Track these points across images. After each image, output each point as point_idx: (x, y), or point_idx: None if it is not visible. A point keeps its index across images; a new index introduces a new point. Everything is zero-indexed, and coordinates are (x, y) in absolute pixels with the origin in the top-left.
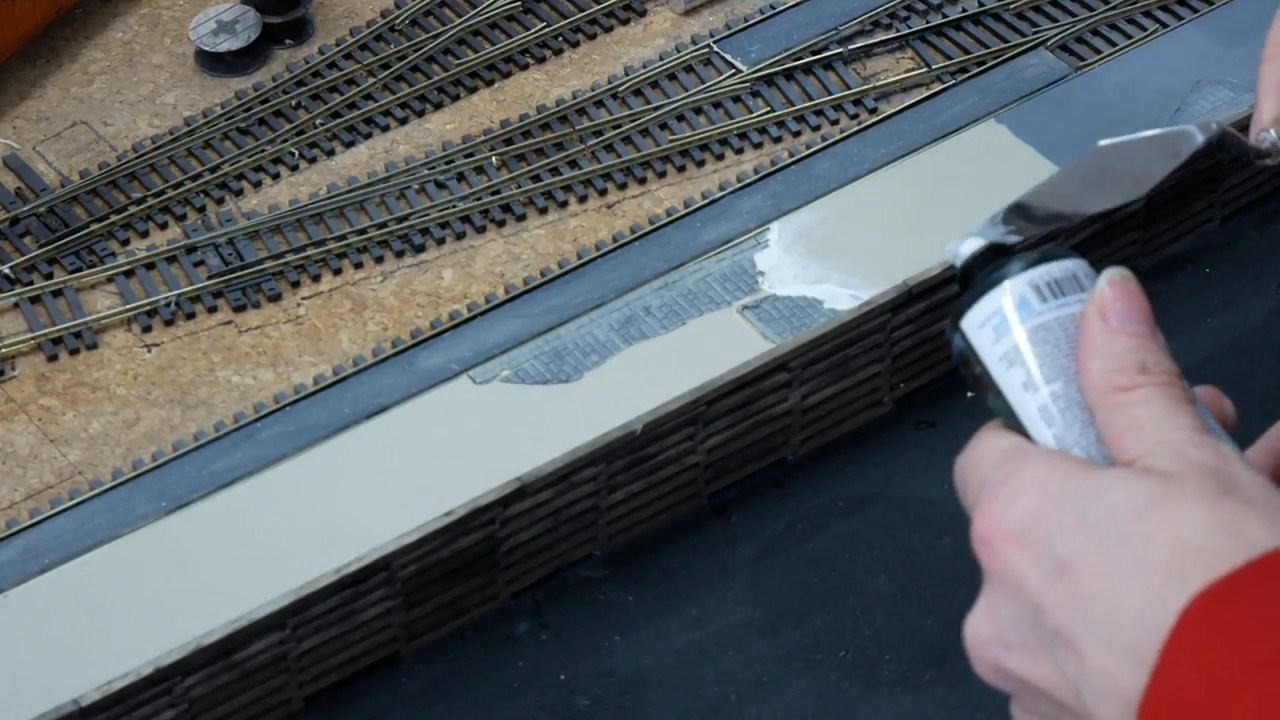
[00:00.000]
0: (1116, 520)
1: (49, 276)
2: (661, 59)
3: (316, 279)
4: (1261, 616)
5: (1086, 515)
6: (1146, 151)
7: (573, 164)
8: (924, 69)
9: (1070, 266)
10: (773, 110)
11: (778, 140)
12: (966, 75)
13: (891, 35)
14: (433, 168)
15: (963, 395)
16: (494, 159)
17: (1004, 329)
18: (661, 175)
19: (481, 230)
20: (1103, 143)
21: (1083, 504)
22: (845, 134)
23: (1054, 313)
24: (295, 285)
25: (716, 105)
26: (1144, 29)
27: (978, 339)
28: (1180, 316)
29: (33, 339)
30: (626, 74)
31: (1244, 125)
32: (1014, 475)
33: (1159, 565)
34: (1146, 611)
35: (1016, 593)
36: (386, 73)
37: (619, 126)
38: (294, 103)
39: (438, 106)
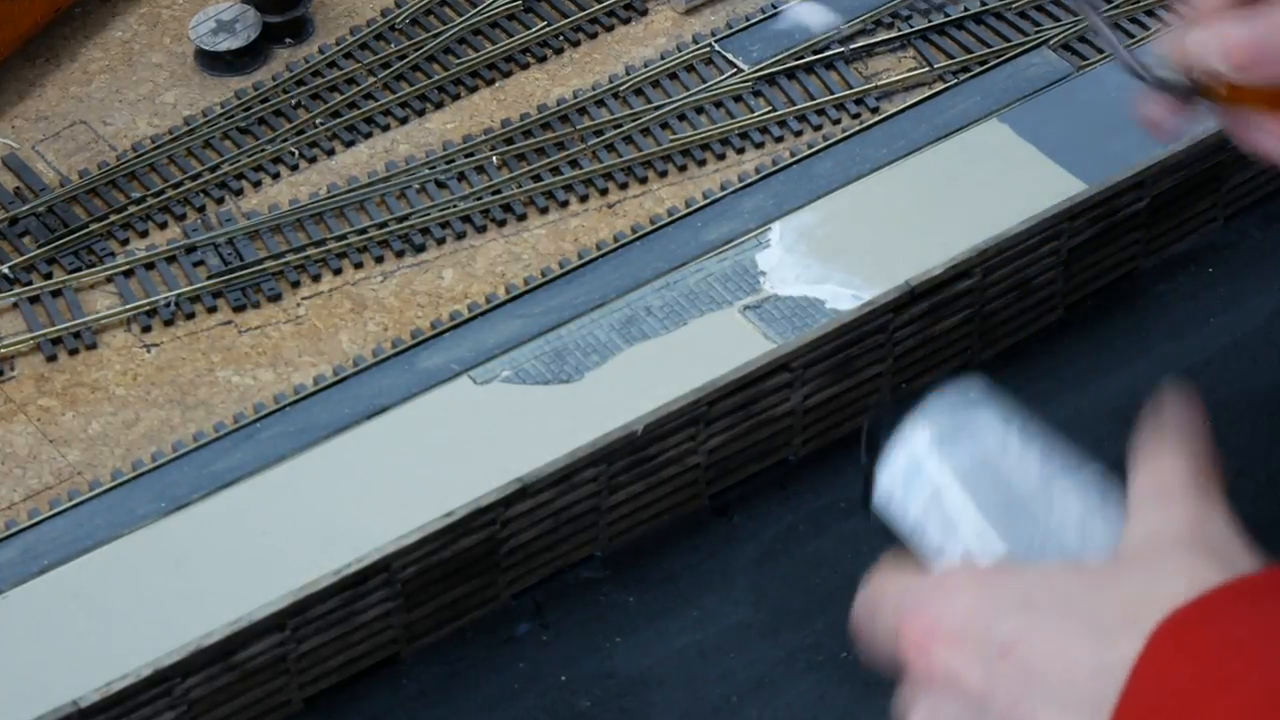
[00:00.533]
0: (1066, 596)
1: (48, 276)
2: (663, 58)
3: (316, 279)
4: (1229, 638)
5: (1031, 597)
6: None
7: (574, 163)
8: (926, 68)
9: (961, 409)
10: (774, 109)
11: (779, 140)
12: (968, 74)
13: (893, 34)
14: (433, 167)
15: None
16: (494, 158)
17: (918, 481)
18: (663, 175)
19: (482, 230)
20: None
21: (1026, 589)
22: (847, 133)
23: (964, 453)
24: (295, 285)
25: (718, 104)
26: (1146, 28)
27: (895, 498)
28: (1183, 316)
29: (32, 339)
30: (627, 73)
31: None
32: (946, 579)
33: (1111, 620)
34: (1101, 662)
35: (959, 691)
36: (387, 72)
37: (620, 126)
38: (294, 102)
39: (438, 106)
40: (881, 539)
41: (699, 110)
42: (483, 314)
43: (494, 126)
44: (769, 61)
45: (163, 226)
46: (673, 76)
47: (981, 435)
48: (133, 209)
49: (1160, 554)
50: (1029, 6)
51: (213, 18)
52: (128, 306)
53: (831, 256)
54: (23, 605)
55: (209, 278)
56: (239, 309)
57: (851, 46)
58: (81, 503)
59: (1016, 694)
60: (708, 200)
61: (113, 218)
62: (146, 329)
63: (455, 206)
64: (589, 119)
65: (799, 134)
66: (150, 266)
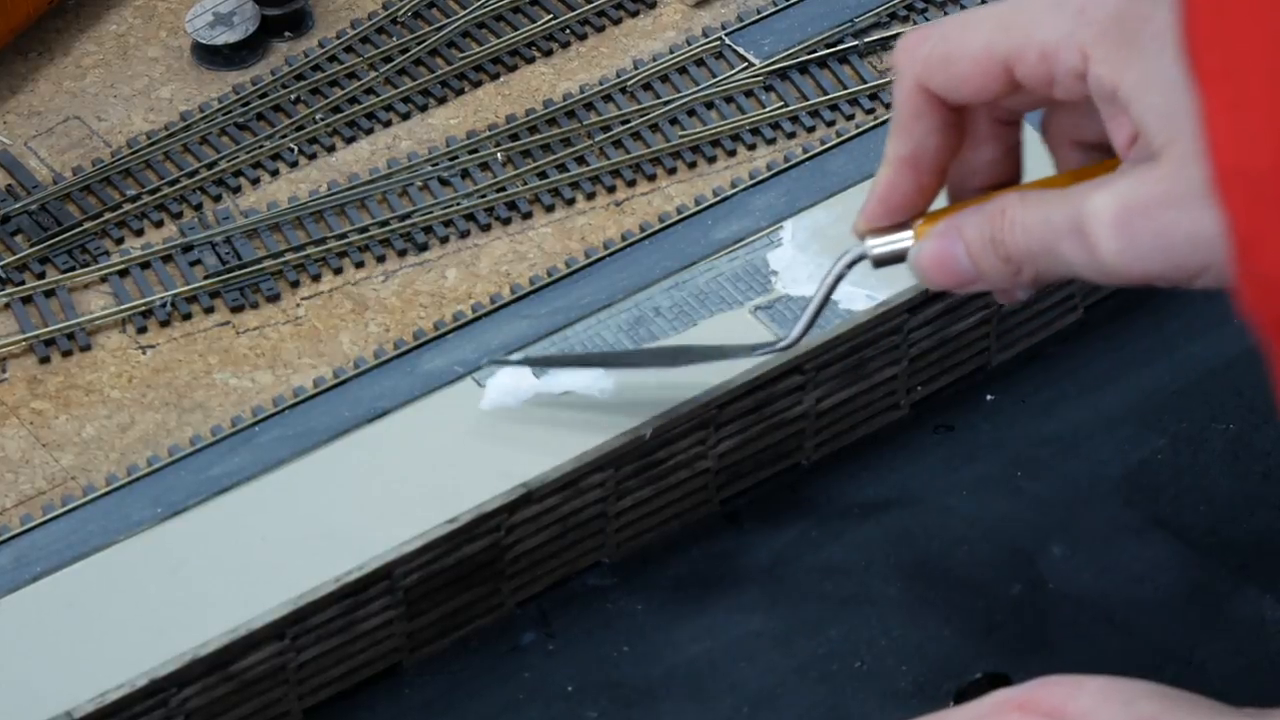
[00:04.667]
0: None
1: (41, 276)
2: (672, 52)
3: (316, 279)
4: None
5: None
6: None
7: (580, 160)
8: None
9: None
10: (786, 105)
11: (791, 135)
12: None
13: (909, 28)
14: (436, 164)
15: (981, 399)
16: (499, 155)
17: None
18: (672, 172)
19: (486, 228)
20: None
21: None
22: (861, 129)
23: None
24: (294, 285)
25: (728, 100)
26: None
27: None
28: (1205, 316)
29: (24, 340)
30: (635, 68)
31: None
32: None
33: None
34: None
35: None
36: (388, 66)
37: (628, 122)
38: (293, 97)
39: (441, 101)
40: (897, 546)
41: (709, 105)
42: (487, 314)
43: (498, 122)
44: (781, 55)
45: (159, 225)
46: (682, 71)
47: None
48: (128, 207)
49: None
50: None
51: (210, 10)
52: (123, 307)
53: (845, 255)
54: (15, 613)
55: (206, 277)
56: (237, 309)
57: (866, 40)
58: (75, 508)
59: None
60: (718, 198)
61: (107, 216)
62: (142, 330)
63: (459, 204)
64: (596, 115)
65: (812, 130)
66: (146, 266)
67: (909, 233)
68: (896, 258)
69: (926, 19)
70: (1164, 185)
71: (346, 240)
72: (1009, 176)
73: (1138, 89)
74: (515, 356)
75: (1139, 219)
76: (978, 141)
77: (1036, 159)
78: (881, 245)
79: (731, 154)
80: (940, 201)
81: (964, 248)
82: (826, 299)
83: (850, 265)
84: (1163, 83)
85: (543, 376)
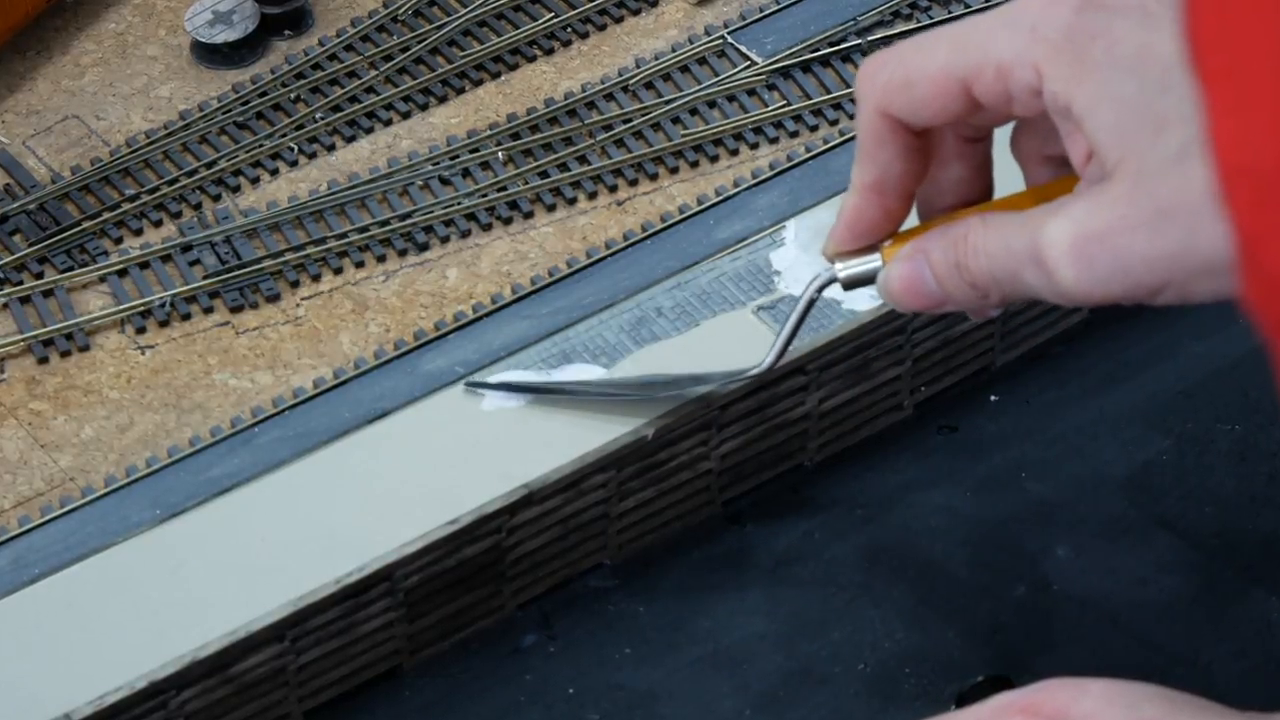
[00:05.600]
0: None
1: (39, 276)
2: (674, 51)
3: (316, 279)
4: None
5: None
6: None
7: (582, 159)
8: None
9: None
10: (789, 104)
11: (794, 135)
12: None
13: (913, 26)
14: (437, 163)
15: (985, 400)
16: (500, 154)
17: None
18: (674, 171)
19: (487, 228)
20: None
21: None
22: None
23: None
24: (294, 285)
25: (731, 99)
26: None
27: None
28: (1210, 316)
29: (22, 340)
30: (637, 66)
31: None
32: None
33: None
34: None
35: None
36: (389, 65)
37: (630, 121)
38: (293, 96)
39: (442, 100)
40: (900, 547)
41: (711, 104)
42: (488, 315)
43: (499, 121)
44: (784, 54)
45: (158, 225)
46: (684, 70)
47: None
48: (127, 206)
49: None
50: None
51: (209, 9)
52: (122, 307)
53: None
54: (13, 615)
55: (205, 277)
56: (236, 309)
57: (869, 39)
58: (74, 509)
59: None
60: (720, 197)
61: (106, 215)
62: (141, 330)
63: (460, 204)
64: (597, 113)
65: (814, 129)
66: (145, 266)
67: (877, 255)
68: (866, 279)
69: (930, 17)
70: (1117, 209)
71: (346, 240)
72: (978, 194)
73: (1089, 107)
74: (493, 380)
75: (1094, 246)
76: (945, 160)
77: (1010, 173)
78: (850, 268)
79: (734, 153)
80: (912, 219)
81: (930, 272)
82: (799, 325)
83: (820, 290)
84: (1114, 100)
85: (544, 376)
